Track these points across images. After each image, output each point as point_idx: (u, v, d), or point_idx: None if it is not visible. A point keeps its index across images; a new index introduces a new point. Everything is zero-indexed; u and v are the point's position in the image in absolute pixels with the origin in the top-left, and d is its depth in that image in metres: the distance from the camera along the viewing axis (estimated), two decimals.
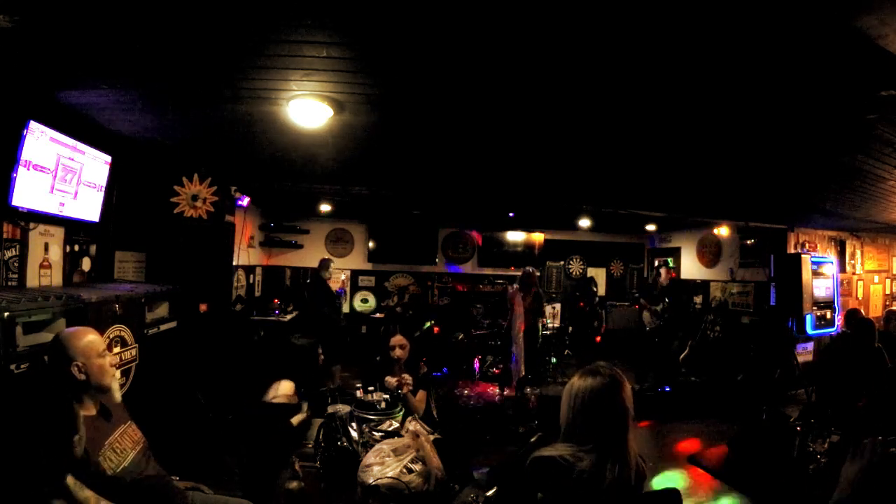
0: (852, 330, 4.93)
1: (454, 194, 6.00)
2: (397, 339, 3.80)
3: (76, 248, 3.52)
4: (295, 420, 3.35)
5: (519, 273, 6.98)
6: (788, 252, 6.83)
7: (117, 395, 2.01)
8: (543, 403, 5.64)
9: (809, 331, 6.68)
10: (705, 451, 4.59)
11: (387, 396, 3.42)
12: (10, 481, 1.54)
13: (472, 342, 7.39)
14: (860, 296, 7.96)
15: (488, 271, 9.17)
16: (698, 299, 8.25)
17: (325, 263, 7.06)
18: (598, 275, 9.77)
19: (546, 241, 9.33)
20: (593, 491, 1.58)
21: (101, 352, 1.97)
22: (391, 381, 3.50)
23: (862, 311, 6.55)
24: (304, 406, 3.53)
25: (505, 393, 6.26)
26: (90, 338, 1.97)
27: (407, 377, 3.49)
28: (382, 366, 3.74)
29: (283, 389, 3.64)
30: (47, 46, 2.16)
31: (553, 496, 1.64)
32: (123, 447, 1.97)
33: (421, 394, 3.63)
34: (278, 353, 5.52)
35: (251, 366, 5.39)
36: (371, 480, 2.61)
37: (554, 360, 7.47)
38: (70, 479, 1.67)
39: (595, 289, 9.12)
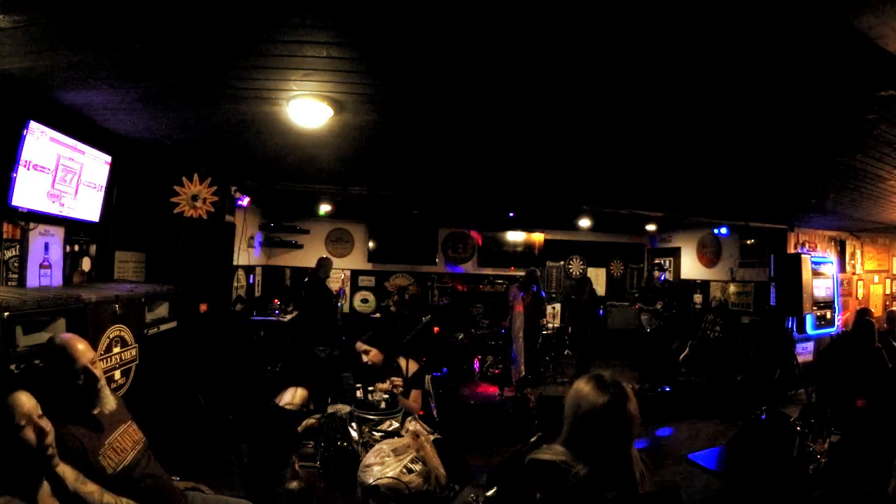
0: (852, 330, 4.93)
1: (454, 194, 6.00)
2: (359, 346, 3.69)
3: (76, 248, 3.52)
4: (301, 427, 3.34)
5: (519, 273, 6.98)
6: (788, 252, 6.83)
7: (110, 398, 2.04)
8: (543, 403, 5.64)
9: (809, 331, 6.69)
10: (705, 451, 4.59)
11: (387, 396, 3.41)
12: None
13: (472, 342, 7.39)
14: (860, 296, 7.96)
15: (488, 271, 9.17)
16: (698, 299, 8.25)
17: (321, 263, 7.05)
18: (599, 275, 9.76)
19: (546, 241, 9.32)
20: (591, 496, 1.57)
21: (94, 358, 2.03)
22: (382, 387, 3.46)
23: (872, 311, 6.52)
24: (317, 416, 3.49)
25: (505, 393, 6.26)
26: (83, 345, 2.02)
27: (396, 380, 3.45)
28: (368, 372, 3.66)
29: (298, 397, 3.61)
30: (47, 46, 2.15)
31: (550, 498, 1.64)
32: (124, 446, 1.99)
33: (415, 393, 3.60)
34: (301, 362, 5.46)
35: (254, 366, 5.39)
36: (371, 480, 2.61)
37: (553, 360, 7.47)
38: (70, 473, 1.67)
39: (590, 288, 9.05)
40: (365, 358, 3.65)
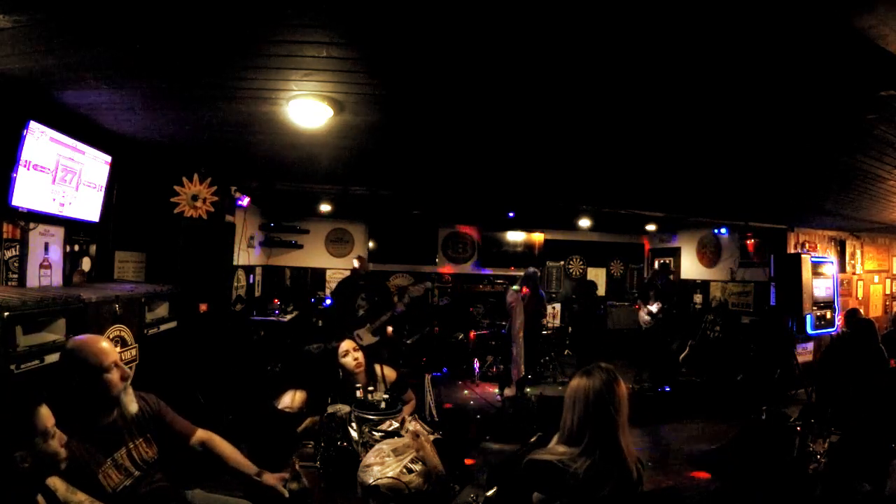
0: (852, 330, 4.93)
1: (454, 194, 6.00)
2: (348, 345, 3.47)
3: (76, 248, 3.52)
4: (300, 428, 3.33)
5: (519, 273, 6.98)
6: (788, 252, 6.84)
7: (132, 406, 1.90)
8: (543, 403, 5.64)
9: (809, 331, 6.68)
10: (705, 452, 4.59)
11: (387, 396, 3.40)
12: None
13: (472, 342, 7.39)
14: (860, 296, 7.97)
15: (488, 271, 9.18)
16: (698, 299, 8.25)
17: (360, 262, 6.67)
18: (599, 275, 9.76)
19: (546, 241, 9.33)
20: (589, 492, 1.58)
21: (112, 363, 1.87)
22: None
23: (861, 311, 6.55)
24: (315, 417, 3.45)
25: (505, 393, 6.26)
26: (105, 345, 1.89)
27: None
28: (344, 384, 3.43)
29: (297, 400, 3.57)
30: (48, 46, 2.15)
31: (549, 497, 1.65)
32: (128, 466, 1.88)
33: (407, 394, 3.59)
34: (298, 362, 5.37)
35: (254, 366, 5.38)
36: (371, 480, 2.61)
37: (553, 360, 7.47)
38: (60, 484, 1.60)
39: (594, 291, 9.04)
40: (353, 360, 3.47)
